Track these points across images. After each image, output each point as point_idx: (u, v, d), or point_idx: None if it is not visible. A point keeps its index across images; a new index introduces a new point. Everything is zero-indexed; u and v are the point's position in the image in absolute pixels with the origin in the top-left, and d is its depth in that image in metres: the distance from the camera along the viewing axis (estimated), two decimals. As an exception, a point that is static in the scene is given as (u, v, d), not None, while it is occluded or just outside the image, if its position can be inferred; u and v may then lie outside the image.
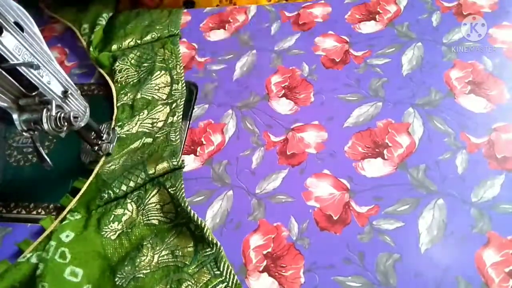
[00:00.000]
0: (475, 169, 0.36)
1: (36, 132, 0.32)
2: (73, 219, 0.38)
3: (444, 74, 0.44)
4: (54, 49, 0.56)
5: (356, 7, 0.53)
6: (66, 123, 0.33)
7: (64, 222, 0.37)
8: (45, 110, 0.31)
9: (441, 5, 0.50)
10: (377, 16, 0.51)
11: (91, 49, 0.53)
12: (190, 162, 0.42)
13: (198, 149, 0.43)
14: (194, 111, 0.46)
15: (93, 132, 0.41)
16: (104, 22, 0.56)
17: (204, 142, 0.43)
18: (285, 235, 0.35)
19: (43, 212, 0.41)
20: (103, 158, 0.42)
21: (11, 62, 0.28)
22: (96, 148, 0.42)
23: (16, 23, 0.30)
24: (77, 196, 0.39)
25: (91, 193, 0.39)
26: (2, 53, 0.28)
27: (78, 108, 0.37)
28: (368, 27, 0.50)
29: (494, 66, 0.43)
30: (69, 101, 0.36)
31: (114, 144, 0.43)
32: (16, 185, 0.44)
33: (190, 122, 0.45)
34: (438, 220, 0.34)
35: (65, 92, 0.35)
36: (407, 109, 0.41)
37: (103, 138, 0.42)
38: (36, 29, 0.32)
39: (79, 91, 0.38)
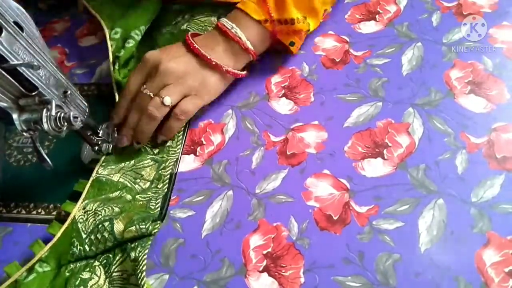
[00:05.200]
0: (475, 169, 0.36)
1: (36, 132, 0.32)
2: (41, 271, 0.36)
3: (444, 74, 0.44)
4: (54, 49, 0.56)
5: (356, 7, 0.53)
6: (66, 123, 0.33)
7: (31, 276, 0.35)
8: (45, 110, 0.31)
9: (441, 5, 0.50)
10: (377, 16, 0.51)
11: (116, 67, 0.45)
12: (190, 162, 0.42)
13: (198, 149, 0.43)
14: (194, 111, 0.46)
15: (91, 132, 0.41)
16: (139, 38, 0.46)
17: (204, 142, 0.43)
18: (285, 235, 0.35)
19: (43, 212, 0.41)
20: (78, 203, 0.39)
21: (11, 62, 0.28)
22: (96, 148, 0.42)
23: (16, 23, 0.30)
24: (49, 245, 0.37)
25: (64, 243, 0.37)
26: (2, 53, 0.28)
27: (78, 108, 0.37)
28: (368, 27, 0.50)
29: (494, 66, 0.43)
30: (69, 101, 0.36)
31: (114, 144, 0.43)
32: (16, 185, 0.44)
33: (190, 122, 0.45)
34: (438, 220, 0.34)
35: (65, 92, 0.35)
36: (407, 109, 0.41)
37: (100, 135, 0.42)
38: (35, 29, 0.32)
39: (78, 91, 0.38)
